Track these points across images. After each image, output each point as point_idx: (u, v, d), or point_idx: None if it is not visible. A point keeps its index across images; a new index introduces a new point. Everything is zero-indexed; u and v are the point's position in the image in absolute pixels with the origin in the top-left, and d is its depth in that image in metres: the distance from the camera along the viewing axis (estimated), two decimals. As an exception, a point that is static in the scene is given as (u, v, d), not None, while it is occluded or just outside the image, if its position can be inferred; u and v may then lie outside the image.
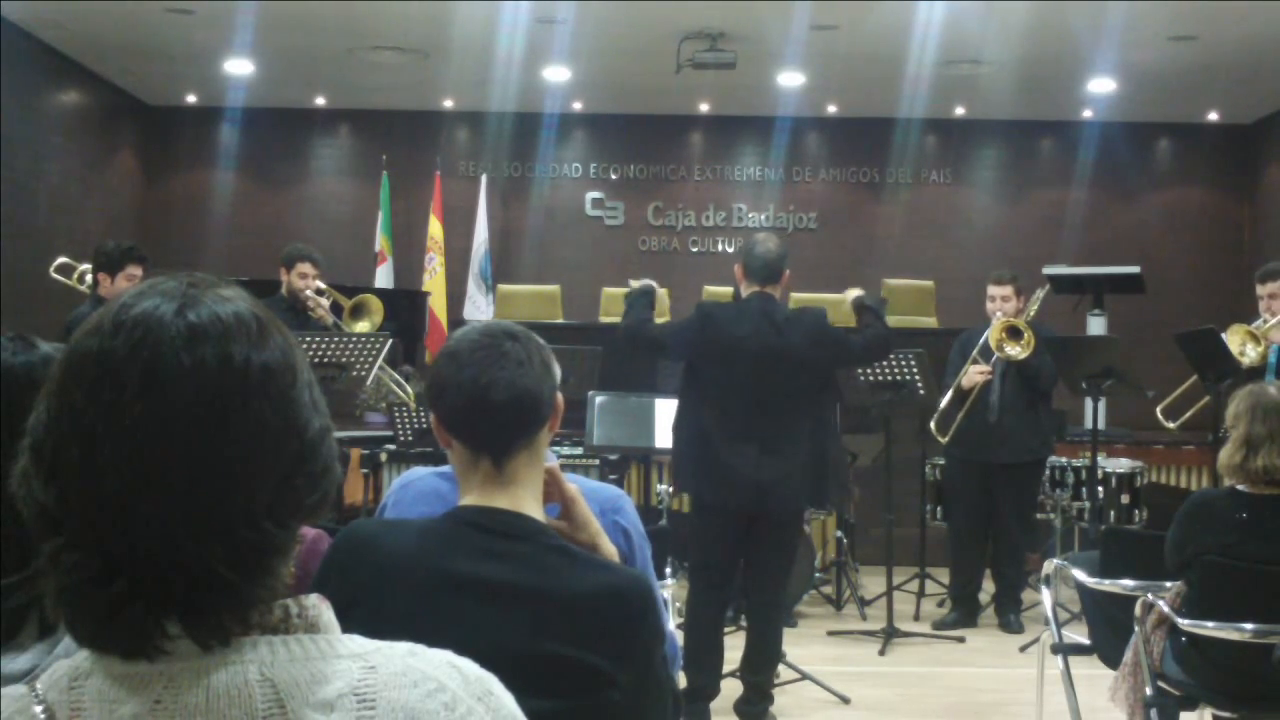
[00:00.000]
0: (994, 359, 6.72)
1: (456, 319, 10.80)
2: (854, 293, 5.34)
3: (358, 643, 1.01)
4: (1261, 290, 6.09)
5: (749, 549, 4.95)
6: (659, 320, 5.56)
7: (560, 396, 1.98)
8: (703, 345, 4.94)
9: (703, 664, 4.89)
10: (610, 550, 1.98)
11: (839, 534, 7.36)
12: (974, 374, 6.76)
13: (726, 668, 5.08)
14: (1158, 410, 6.92)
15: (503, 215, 11.86)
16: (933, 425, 6.92)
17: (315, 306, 6.68)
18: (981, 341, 6.75)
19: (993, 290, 6.82)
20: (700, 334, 4.96)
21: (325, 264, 6.94)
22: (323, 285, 6.80)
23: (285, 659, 0.96)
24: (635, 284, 5.28)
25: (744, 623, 5.38)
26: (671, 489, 6.89)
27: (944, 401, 6.81)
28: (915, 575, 7.46)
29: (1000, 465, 6.79)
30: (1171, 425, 6.85)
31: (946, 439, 6.88)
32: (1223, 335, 6.06)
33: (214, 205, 11.90)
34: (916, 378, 6.41)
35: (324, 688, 0.96)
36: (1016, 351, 6.62)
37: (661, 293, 9.79)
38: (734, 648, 5.14)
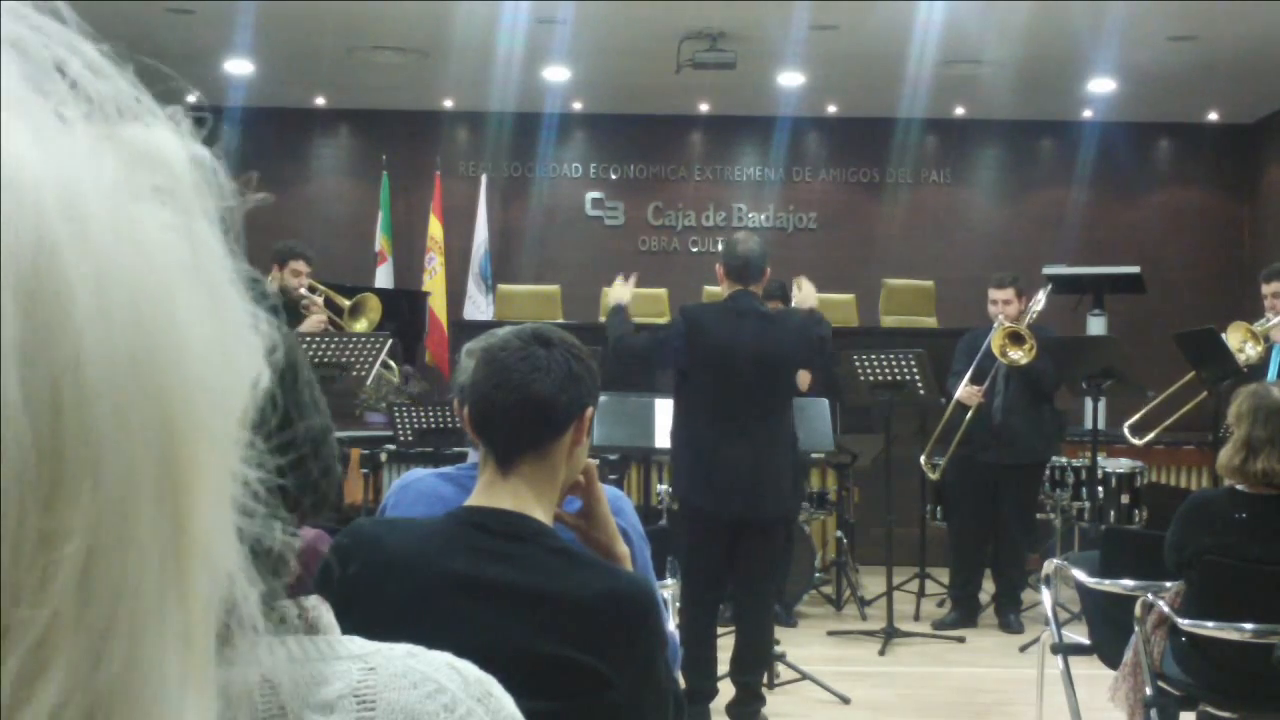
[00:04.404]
0: (989, 375, 6.72)
1: (456, 319, 10.79)
2: (811, 299, 5.33)
3: (357, 644, 1.00)
4: (1266, 289, 6.09)
5: (738, 551, 4.90)
6: (659, 321, 5.55)
7: (590, 411, 1.94)
8: (692, 351, 4.88)
9: (699, 667, 4.88)
10: (624, 553, 1.99)
11: (839, 534, 7.36)
12: (965, 397, 6.76)
13: (720, 669, 5.07)
14: (1125, 427, 6.91)
15: (503, 215, 11.85)
16: (923, 460, 6.93)
17: (312, 305, 6.65)
18: (985, 346, 6.75)
19: (994, 294, 6.81)
20: (688, 340, 4.89)
21: (323, 264, 6.91)
22: (316, 284, 6.77)
23: (285, 660, 0.96)
24: (612, 293, 5.23)
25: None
26: (671, 489, 6.89)
27: (948, 411, 6.80)
28: (915, 575, 7.46)
29: (1003, 466, 6.79)
30: (1137, 442, 6.85)
31: (936, 475, 6.90)
32: (1223, 335, 6.06)
33: (213, 205, 11.87)
34: (916, 378, 6.41)
35: (323, 689, 0.95)
36: (1019, 356, 6.63)
37: (661, 293, 9.82)
38: (726, 648, 5.13)
